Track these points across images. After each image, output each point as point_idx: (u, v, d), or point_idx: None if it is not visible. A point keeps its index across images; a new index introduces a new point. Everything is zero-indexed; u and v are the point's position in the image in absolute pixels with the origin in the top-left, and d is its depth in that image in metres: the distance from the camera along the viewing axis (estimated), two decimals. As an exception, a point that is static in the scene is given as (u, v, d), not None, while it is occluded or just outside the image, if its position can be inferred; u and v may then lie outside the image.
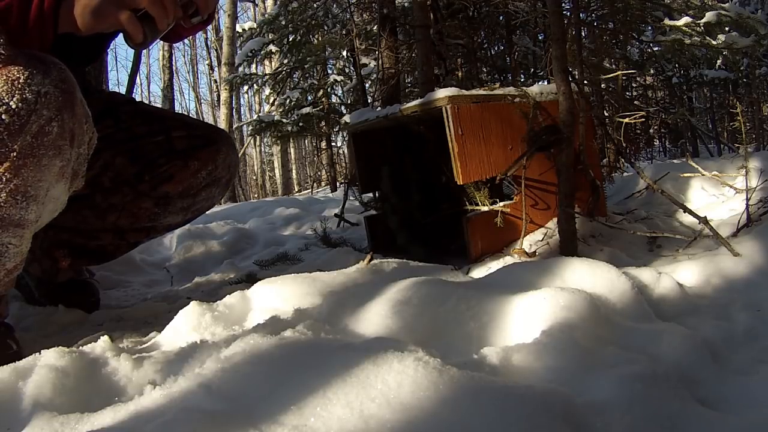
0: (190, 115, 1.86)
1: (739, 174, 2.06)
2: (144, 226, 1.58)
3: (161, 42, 1.42)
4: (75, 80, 1.06)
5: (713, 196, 2.14)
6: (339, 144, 9.07)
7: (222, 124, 9.79)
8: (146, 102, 2.23)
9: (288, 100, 6.59)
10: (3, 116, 0.95)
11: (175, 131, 1.54)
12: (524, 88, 1.76)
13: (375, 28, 3.92)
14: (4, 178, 0.99)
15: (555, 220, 1.69)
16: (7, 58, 0.97)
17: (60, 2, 1.05)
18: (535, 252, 1.58)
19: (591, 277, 1.07)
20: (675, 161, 3.91)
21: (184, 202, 1.56)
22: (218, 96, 13.41)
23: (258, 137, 13.40)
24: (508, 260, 1.53)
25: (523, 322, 0.91)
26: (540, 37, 3.79)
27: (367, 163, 2.02)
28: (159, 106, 10.24)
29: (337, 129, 6.82)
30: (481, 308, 0.97)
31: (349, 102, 6.48)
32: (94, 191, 1.50)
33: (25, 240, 1.10)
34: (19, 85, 0.96)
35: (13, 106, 0.96)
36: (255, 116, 10.69)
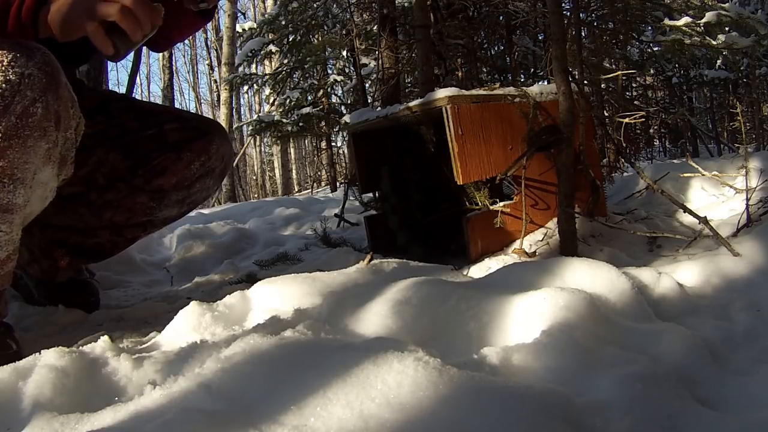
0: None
1: (739, 174, 2.06)
2: (141, 221, 1.58)
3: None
4: (59, 65, 1.06)
5: (713, 196, 2.14)
6: (339, 144, 9.07)
7: (222, 124, 9.76)
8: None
9: (288, 100, 6.58)
10: None
11: (168, 124, 1.54)
12: (524, 88, 1.76)
13: (375, 28, 3.92)
14: None
15: (555, 220, 1.69)
16: None
17: (39, 8, 1.05)
18: (535, 252, 1.58)
19: (591, 277, 1.07)
20: (675, 161, 3.91)
21: (179, 194, 1.56)
22: (218, 96, 13.41)
23: (258, 137, 13.40)
24: (508, 260, 1.53)
25: (523, 322, 0.91)
26: (540, 37, 3.79)
27: (367, 163, 2.02)
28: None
29: (337, 129, 6.82)
30: (481, 308, 0.97)
31: (349, 102, 6.48)
32: (89, 189, 1.50)
33: (15, 227, 1.09)
34: (3, 67, 0.98)
35: None
36: (255, 116, 10.70)
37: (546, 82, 2.08)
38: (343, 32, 5.34)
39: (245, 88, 7.37)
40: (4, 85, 0.97)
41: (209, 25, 18.47)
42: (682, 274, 1.27)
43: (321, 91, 6.60)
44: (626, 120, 1.92)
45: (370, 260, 1.48)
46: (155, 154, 1.51)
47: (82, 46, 1.11)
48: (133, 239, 1.65)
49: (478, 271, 1.51)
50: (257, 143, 17.42)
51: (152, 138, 1.52)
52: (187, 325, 1.11)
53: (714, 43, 3.62)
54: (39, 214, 1.50)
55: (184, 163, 1.52)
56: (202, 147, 1.54)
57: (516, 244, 1.61)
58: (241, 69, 6.63)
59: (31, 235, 1.56)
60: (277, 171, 15.38)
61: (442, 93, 1.59)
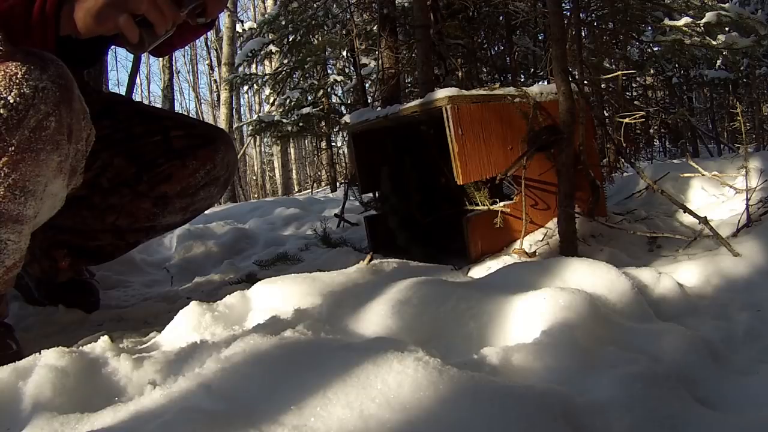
0: (190, 115, 1.87)
1: (739, 174, 2.06)
2: (143, 226, 1.58)
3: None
4: (72, 77, 1.07)
5: (713, 196, 2.14)
6: (339, 144, 9.08)
7: (222, 124, 9.79)
8: (145, 102, 2.22)
9: (288, 100, 6.58)
10: (1, 111, 0.96)
11: (173, 131, 1.54)
12: (524, 88, 1.76)
13: (375, 28, 3.92)
14: (2, 173, 0.99)
15: (555, 220, 1.69)
16: (5, 54, 0.98)
17: (62, 5, 1.06)
18: (535, 252, 1.58)
19: (591, 277, 1.07)
20: (675, 161, 3.91)
21: (182, 201, 1.56)
22: (218, 96, 13.41)
23: (258, 137, 13.40)
24: (508, 260, 1.53)
25: (523, 322, 0.91)
26: (540, 37, 3.79)
27: (367, 163, 2.02)
28: (159, 106, 10.25)
29: (337, 129, 6.81)
30: (481, 308, 0.97)
31: (349, 102, 6.48)
32: (92, 192, 1.50)
33: (23, 236, 1.10)
34: (17, 80, 0.97)
35: (11, 101, 0.97)
36: (255, 116, 10.70)
37: (546, 82, 2.08)
38: (343, 32, 5.34)
39: (245, 88, 7.37)
40: (18, 98, 0.97)
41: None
42: (682, 274, 1.27)
43: (321, 91, 6.60)
44: (626, 120, 1.92)
45: (370, 260, 1.47)
46: (161, 160, 1.52)
47: (91, 48, 1.12)
48: (135, 243, 1.65)
49: (478, 271, 1.51)
50: (257, 143, 17.43)
51: (158, 144, 1.52)
52: (187, 325, 1.11)
53: (714, 43, 3.62)
54: None
55: (189, 170, 1.52)
56: (208, 155, 1.54)
57: (516, 244, 1.61)
58: (241, 69, 6.63)
59: (33, 235, 1.56)
60: (277, 171, 15.39)
61: (442, 93, 1.59)
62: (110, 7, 1.06)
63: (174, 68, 12.37)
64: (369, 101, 4.16)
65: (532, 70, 3.84)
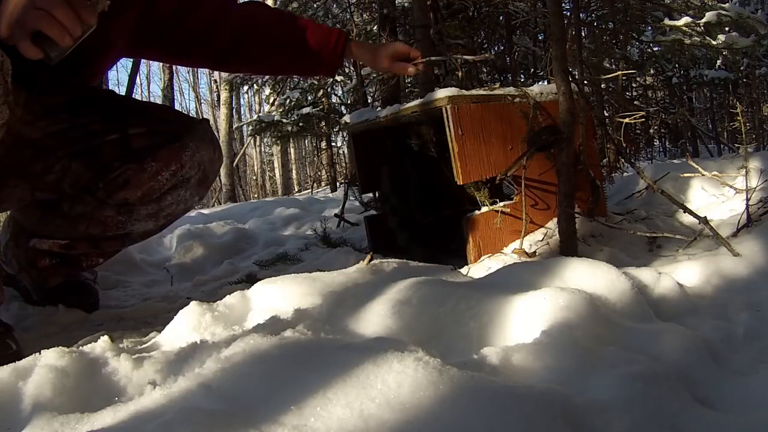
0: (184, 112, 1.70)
1: (739, 174, 2.06)
2: (116, 234, 1.48)
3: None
4: None
5: (713, 196, 2.14)
6: (339, 144, 9.09)
7: (222, 124, 9.80)
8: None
9: (288, 100, 6.58)
10: None
11: (134, 128, 1.37)
12: (524, 88, 1.76)
13: (375, 28, 3.92)
14: None
15: (555, 220, 1.69)
16: None
17: None
18: (535, 252, 1.58)
19: (591, 277, 1.07)
20: (675, 161, 3.91)
21: (147, 208, 1.42)
22: (218, 96, 13.41)
23: (258, 137, 13.41)
24: (508, 260, 1.53)
25: (523, 322, 0.91)
26: (540, 37, 3.80)
27: (367, 163, 2.02)
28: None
29: (337, 129, 6.82)
30: (481, 308, 0.97)
31: (349, 102, 6.48)
32: (60, 198, 1.42)
33: None
34: None
35: None
36: (255, 116, 10.70)
37: (546, 82, 2.08)
38: (343, 32, 5.34)
39: (245, 88, 7.37)
40: None
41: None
42: (682, 274, 1.27)
43: (321, 91, 6.60)
44: (626, 120, 1.92)
45: (370, 260, 1.47)
46: (116, 164, 1.36)
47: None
48: (112, 252, 1.57)
49: (478, 271, 1.51)
50: (257, 143, 17.43)
51: (114, 144, 1.36)
52: (187, 325, 1.10)
53: (714, 43, 3.63)
54: (26, 224, 1.47)
55: (148, 174, 1.36)
56: (171, 155, 1.38)
57: (516, 244, 1.61)
58: (241, 69, 6.61)
59: (18, 245, 1.53)
60: (277, 171, 15.40)
61: (442, 93, 1.59)
62: (14, 25, 1.00)
63: (174, 68, 12.36)
64: (369, 101, 4.16)
65: (532, 70, 3.84)
